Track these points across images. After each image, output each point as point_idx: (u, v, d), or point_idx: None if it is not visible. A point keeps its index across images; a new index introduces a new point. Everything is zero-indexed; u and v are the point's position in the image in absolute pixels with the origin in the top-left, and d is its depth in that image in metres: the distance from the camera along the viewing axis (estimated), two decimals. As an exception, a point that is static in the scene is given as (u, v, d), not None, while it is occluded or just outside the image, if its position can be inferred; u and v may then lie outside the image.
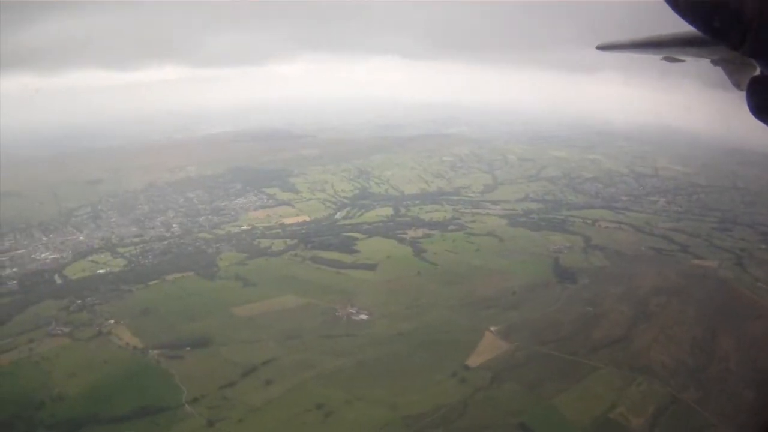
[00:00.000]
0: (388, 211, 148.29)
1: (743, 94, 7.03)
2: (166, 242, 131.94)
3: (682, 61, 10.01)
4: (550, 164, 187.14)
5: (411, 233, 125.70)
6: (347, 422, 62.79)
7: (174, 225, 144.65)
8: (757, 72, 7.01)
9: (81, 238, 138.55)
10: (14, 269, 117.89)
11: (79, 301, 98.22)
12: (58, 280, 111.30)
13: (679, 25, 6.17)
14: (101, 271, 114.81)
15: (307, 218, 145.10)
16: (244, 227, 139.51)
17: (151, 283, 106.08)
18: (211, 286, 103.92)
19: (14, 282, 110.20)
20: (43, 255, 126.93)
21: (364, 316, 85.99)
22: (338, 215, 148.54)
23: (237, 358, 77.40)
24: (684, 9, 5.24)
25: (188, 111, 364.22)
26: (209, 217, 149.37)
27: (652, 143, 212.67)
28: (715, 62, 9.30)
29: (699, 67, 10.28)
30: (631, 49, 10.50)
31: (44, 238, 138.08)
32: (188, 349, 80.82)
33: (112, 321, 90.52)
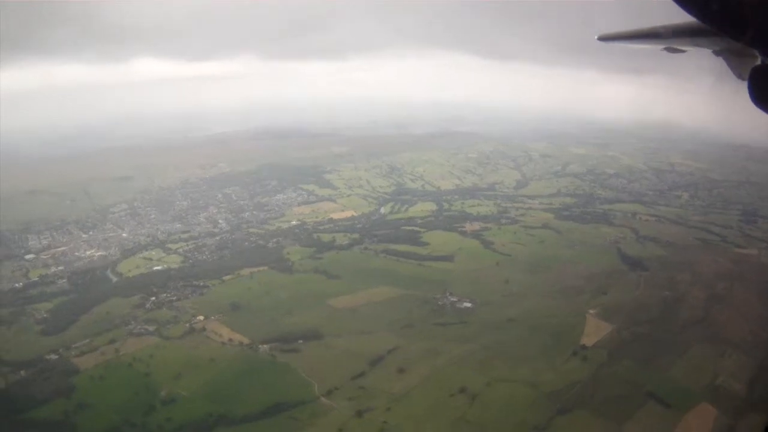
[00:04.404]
0: (431, 206, 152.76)
1: (745, 84, 7.32)
2: (217, 238, 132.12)
3: (683, 51, 9.94)
4: (572, 161, 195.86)
5: (468, 226, 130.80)
6: (497, 402, 66.14)
7: (220, 221, 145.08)
8: (759, 62, 7.13)
9: (124, 235, 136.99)
10: (60, 267, 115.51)
11: (153, 299, 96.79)
12: (113, 278, 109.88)
13: (680, 16, 6.47)
14: (158, 267, 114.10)
15: (354, 213, 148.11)
16: (294, 222, 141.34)
17: (225, 278, 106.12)
18: (293, 280, 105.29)
19: (63, 281, 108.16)
20: (87, 252, 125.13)
21: (467, 304, 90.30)
22: (383, 210, 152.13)
23: (357, 348, 78.36)
24: (686, 0, 5.42)
25: (191, 111, 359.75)
26: (254, 212, 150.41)
27: (658, 140, 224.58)
28: (716, 53, 9.23)
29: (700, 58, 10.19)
30: (632, 40, 10.38)
31: (84, 236, 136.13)
32: (301, 342, 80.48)
33: (201, 317, 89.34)
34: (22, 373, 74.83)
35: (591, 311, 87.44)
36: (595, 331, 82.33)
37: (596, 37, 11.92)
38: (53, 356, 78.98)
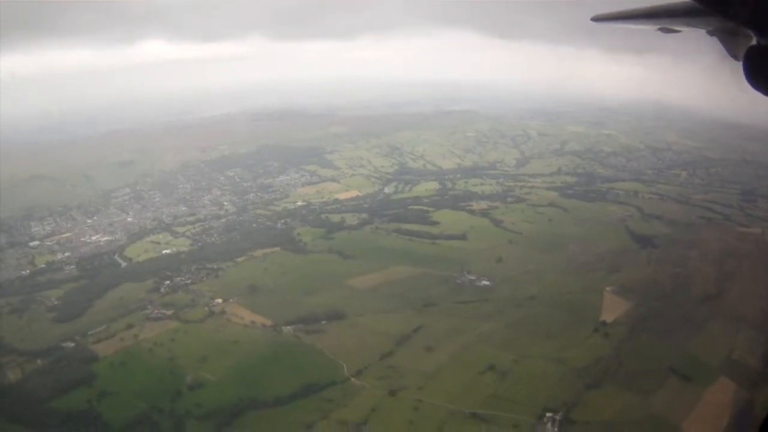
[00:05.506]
0: (434, 185, 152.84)
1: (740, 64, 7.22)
2: (224, 220, 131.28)
3: (678, 31, 9.84)
4: (571, 139, 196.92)
5: (475, 205, 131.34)
6: (527, 379, 67.00)
7: (225, 203, 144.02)
8: (753, 42, 6.99)
9: (129, 219, 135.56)
10: (67, 253, 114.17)
11: (168, 282, 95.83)
12: (122, 263, 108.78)
13: None
14: (167, 251, 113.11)
15: (359, 193, 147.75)
16: (300, 203, 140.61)
17: (239, 260, 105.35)
18: (307, 261, 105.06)
19: (71, 267, 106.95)
20: (93, 238, 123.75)
21: (486, 282, 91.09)
22: (386, 190, 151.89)
23: (382, 328, 78.51)
24: None
25: (193, 93, 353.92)
26: (258, 194, 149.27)
27: (653, 118, 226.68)
28: (710, 33, 9.10)
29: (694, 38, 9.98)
30: (626, 20, 10.26)
31: (88, 221, 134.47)
32: (324, 322, 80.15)
33: (219, 300, 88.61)
34: (39, 362, 73.47)
35: (607, 288, 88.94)
36: (612, 307, 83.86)
37: (590, 18, 11.67)
38: (69, 344, 77.60)
